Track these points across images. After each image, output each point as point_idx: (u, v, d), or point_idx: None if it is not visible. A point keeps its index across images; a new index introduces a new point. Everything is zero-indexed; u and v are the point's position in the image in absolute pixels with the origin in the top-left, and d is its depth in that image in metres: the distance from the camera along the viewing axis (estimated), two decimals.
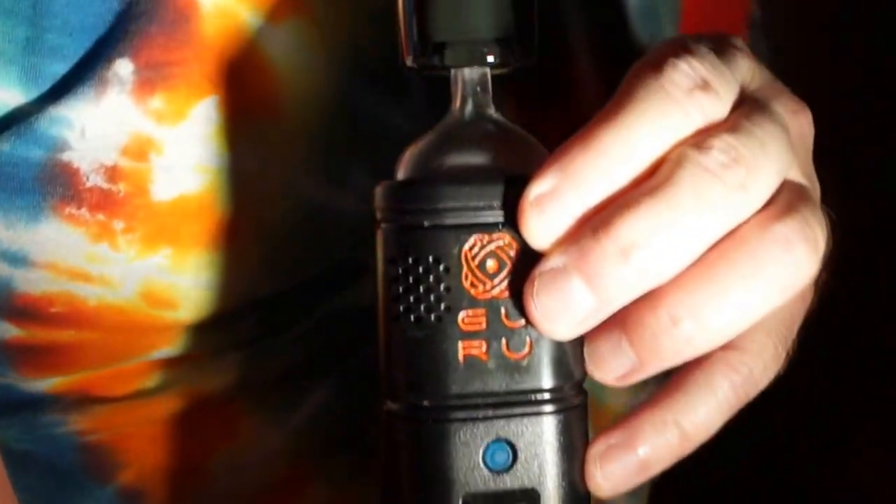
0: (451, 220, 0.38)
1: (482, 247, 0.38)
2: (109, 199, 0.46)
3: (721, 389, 0.41)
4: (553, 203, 0.37)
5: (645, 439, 0.41)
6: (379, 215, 0.40)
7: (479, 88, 0.41)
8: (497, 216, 0.38)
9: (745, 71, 0.41)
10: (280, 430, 0.55)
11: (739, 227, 0.38)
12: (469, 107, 0.41)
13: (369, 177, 0.49)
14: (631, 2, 0.60)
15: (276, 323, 0.53)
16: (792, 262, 0.38)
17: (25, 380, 0.51)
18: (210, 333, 0.51)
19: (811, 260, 0.38)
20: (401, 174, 0.41)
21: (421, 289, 0.38)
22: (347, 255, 0.52)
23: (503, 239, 0.38)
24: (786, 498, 0.85)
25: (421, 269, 0.38)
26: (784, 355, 0.43)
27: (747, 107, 0.39)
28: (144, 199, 0.46)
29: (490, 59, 0.40)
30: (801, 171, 0.41)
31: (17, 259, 0.47)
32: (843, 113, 0.93)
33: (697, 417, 0.41)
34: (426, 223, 0.38)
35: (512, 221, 0.38)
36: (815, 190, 0.43)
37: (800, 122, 0.42)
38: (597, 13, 0.57)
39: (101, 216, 0.46)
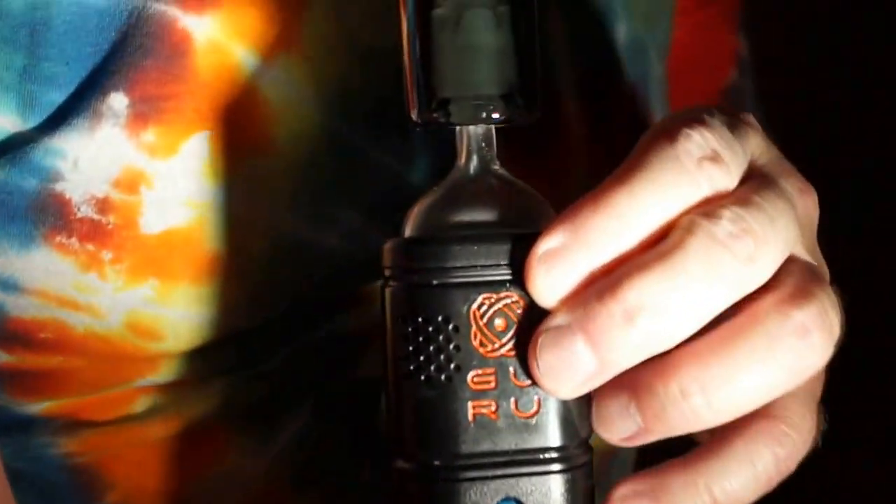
0: (459, 278, 0.38)
1: (490, 305, 0.38)
2: (99, 230, 0.46)
3: (762, 461, 0.40)
4: (560, 260, 0.37)
5: (672, 496, 0.40)
6: (387, 273, 0.39)
7: (483, 144, 0.41)
8: (505, 274, 0.38)
9: (755, 147, 0.41)
10: (260, 455, 0.55)
11: (756, 306, 0.38)
12: (474, 162, 0.41)
13: (357, 214, 0.51)
14: (619, 40, 0.60)
15: (258, 351, 0.53)
16: (808, 349, 0.38)
17: (17, 402, 0.52)
18: (194, 362, 0.51)
19: (826, 346, 0.38)
20: (408, 231, 0.41)
21: (431, 348, 0.38)
22: (330, 288, 0.52)
23: (511, 297, 0.38)
24: (785, 498, 0.85)
25: (430, 329, 0.38)
26: (816, 428, 0.42)
27: (756, 181, 0.39)
28: (133, 231, 0.47)
29: (495, 115, 0.39)
30: (806, 250, 0.41)
31: (9, 285, 0.47)
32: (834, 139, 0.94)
33: (731, 487, 0.40)
34: (434, 282, 0.38)
35: (519, 279, 0.38)
36: (823, 268, 0.43)
37: (806, 202, 0.42)
38: (585, 54, 0.58)
39: (90, 246, 0.47)
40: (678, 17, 0.67)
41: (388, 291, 0.39)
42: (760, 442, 0.40)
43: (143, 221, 0.47)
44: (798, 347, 0.38)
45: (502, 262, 0.38)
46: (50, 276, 0.47)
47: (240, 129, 0.48)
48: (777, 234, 0.38)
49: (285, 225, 0.49)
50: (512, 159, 0.43)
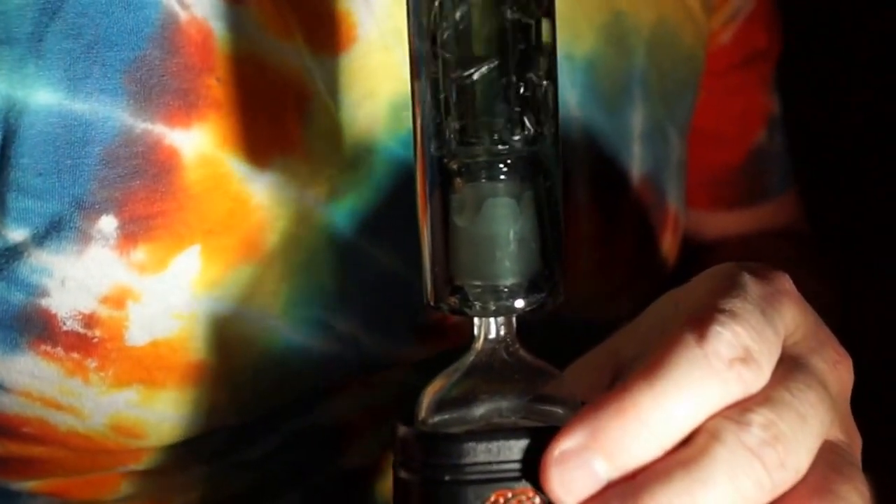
0: (472, 475, 0.36)
1: (505, 501, 0.37)
2: (84, 342, 0.46)
3: None
4: (577, 462, 0.35)
5: None
6: (399, 458, 0.38)
7: (503, 329, 0.39)
8: (520, 469, 0.37)
9: (790, 322, 0.38)
10: None
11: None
12: (492, 346, 0.39)
13: (354, 320, 0.50)
14: (636, 129, 0.57)
15: (242, 440, 0.52)
16: None
17: (3, 481, 0.52)
18: (177, 451, 0.50)
19: None
20: (422, 412, 0.39)
21: None
22: (320, 386, 0.51)
23: (526, 493, 0.37)
24: None
25: None
26: None
27: (787, 369, 0.37)
28: (118, 343, 0.46)
29: (516, 305, 0.37)
30: (839, 426, 0.39)
31: None
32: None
33: None
34: (447, 478, 0.36)
35: (535, 474, 0.36)
36: (855, 441, 0.40)
37: (840, 375, 0.39)
38: (597, 146, 0.56)
39: (75, 355, 0.46)
40: (707, 79, 0.65)
41: (398, 479, 0.38)
42: None
43: (129, 335, 0.46)
44: None
45: (517, 458, 0.36)
46: (34, 379, 0.46)
47: (232, 239, 0.46)
48: (809, 432, 0.36)
49: (276, 332, 0.48)
50: None
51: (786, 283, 0.39)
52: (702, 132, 0.67)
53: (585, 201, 0.55)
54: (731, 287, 0.37)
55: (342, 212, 0.49)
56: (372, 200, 0.49)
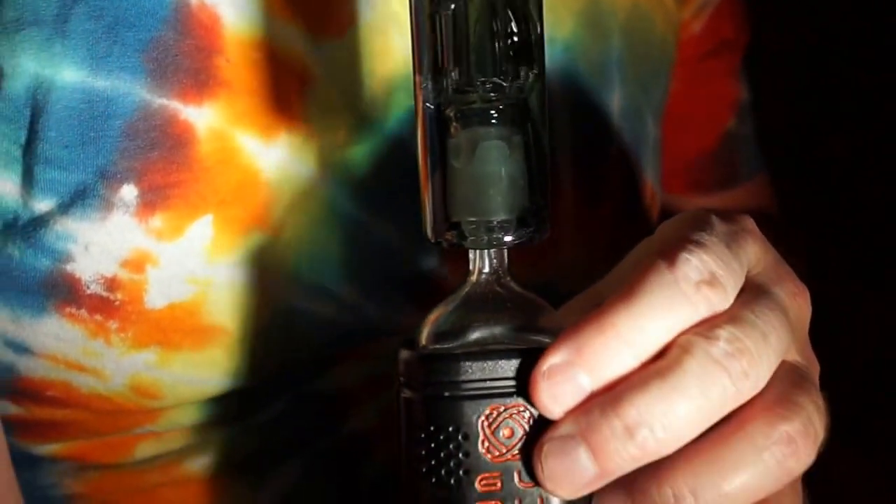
0: (469, 391, 0.40)
1: (498, 414, 0.40)
2: (107, 305, 0.48)
3: None
4: (563, 376, 0.39)
5: None
6: (402, 380, 0.41)
7: (496, 261, 0.43)
8: (512, 385, 0.40)
9: (752, 256, 0.43)
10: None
11: (745, 414, 0.40)
12: (486, 278, 0.43)
13: (355, 289, 0.53)
14: (614, 107, 0.61)
15: (255, 403, 0.55)
16: (792, 456, 0.40)
17: (25, 445, 0.54)
18: (189, 413, 0.53)
19: (810, 453, 0.40)
20: (423, 339, 0.42)
21: (442, 454, 0.40)
22: (324, 350, 0.54)
23: (518, 407, 0.40)
24: None
25: (442, 437, 0.40)
26: None
27: (750, 295, 0.41)
28: (138, 306, 0.49)
29: (507, 239, 0.41)
30: (797, 351, 0.43)
31: (21, 348, 0.49)
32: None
33: None
34: (446, 394, 0.40)
35: (525, 390, 0.40)
36: (813, 365, 0.44)
37: (799, 304, 0.43)
38: (580, 123, 0.59)
39: (98, 317, 0.48)
40: (678, 69, 0.68)
41: (402, 399, 0.41)
42: None
43: (148, 298, 0.49)
44: (783, 456, 0.39)
45: (510, 375, 0.40)
46: (60, 342, 0.49)
47: (242, 210, 0.49)
48: (770, 348, 0.40)
49: (284, 297, 0.51)
50: None
51: (749, 224, 0.43)
52: (676, 119, 0.70)
53: (569, 172, 0.58)
54: (699, 224, 0.41)
55: (343, 187, 0.51)
56: (370, 176, 0.52)
